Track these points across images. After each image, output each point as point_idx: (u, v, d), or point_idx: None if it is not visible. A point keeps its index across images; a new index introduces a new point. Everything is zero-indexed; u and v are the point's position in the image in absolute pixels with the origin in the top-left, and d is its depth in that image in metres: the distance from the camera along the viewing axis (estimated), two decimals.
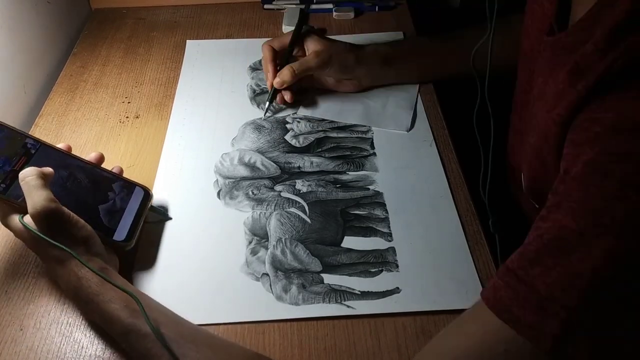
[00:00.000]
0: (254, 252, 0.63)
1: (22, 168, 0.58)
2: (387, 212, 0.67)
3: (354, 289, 0.60)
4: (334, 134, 0.78)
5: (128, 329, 0.51)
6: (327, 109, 0.82)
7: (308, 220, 0.67)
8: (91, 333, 0.56)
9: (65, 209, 0.55)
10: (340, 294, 0.59)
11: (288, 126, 0.79)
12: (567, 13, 0.55)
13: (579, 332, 0.39)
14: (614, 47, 0.42)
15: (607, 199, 0.38)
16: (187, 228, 0.66)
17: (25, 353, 0.55)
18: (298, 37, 0.82)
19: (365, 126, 0.79)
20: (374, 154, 0.75)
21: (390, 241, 0.64)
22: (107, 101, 0.84)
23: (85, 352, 0.55)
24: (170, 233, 0.66)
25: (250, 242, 0.64)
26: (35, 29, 0.90)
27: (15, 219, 0.55)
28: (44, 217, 0.53)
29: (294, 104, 0.82)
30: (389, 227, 0.66)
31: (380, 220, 0.67)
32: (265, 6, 1.03)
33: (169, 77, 0.88)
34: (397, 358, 0.54)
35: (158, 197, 0.69)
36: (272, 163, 0.74)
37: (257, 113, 0.82)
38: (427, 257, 0.63)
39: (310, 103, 0.83)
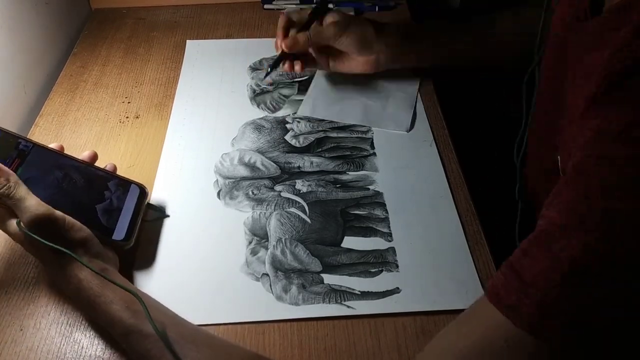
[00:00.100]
0: (254, 252, 0.63)
1: (16, 170, 0.57)
2: (387, 212, 0.67)
3: (354, 289, 0.60)
4: (334, 134, 0.78)
5: (129, 330, 0.51)
6: (327, 109, 0.82)
7: (308, 220, 0.67)
8: (91, 333, 0.56)
9: (58, 213, 0.55)
10: (340, 294, 0.59)
11: (288, 126, 0.79)
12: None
13: (554, 318, 0.41)
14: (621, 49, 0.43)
15: (588, 197, 0.41)
16: (187, 228, 0.66)
17: (25, 353, 0.55)
18: (319, 12, 0.78)
19: (365, 126, 0.79)
20: (374, 154, 0.75)
21: (390, 241, 0.64)
22: (107, 101, 0.84)
23: (86, 352, 0.55)
24: (170, 233, 0.66)
25: (250, 242, 0.64)
26: (35, 29, 0.90)
27: (13, 223, 0.54)
28: (37, 225, 0.53)
29: (294, 104, 0.82)
30: (389, 227, 0.66)
31: (380, 220, 0.67)
32: (265, 6, 1.03)
33: (169, 77, 0.89)
34: (397, 358, 0.54)
35: (158, 196, 0.69)
36: (272, 163, 0.74)
37: (257, 113, 0.82)
38: (427, 257, 0.63)
39: (310, 103, 0.83)
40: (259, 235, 0.65)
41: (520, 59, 0.68)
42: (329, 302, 0.59)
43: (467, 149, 0.76)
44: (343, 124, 0.80)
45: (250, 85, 0.86)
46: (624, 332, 0.41)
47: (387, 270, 0.61)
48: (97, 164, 0.65)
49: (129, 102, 0.84)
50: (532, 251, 0.43)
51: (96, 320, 0.55)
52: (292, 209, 0.68)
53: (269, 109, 0.82)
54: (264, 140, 0.77)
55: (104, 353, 0.55)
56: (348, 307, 0.58)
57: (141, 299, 0.52)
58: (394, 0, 1.02)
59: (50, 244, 0.53)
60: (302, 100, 0.83)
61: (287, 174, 0.72)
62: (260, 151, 0.75)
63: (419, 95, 0.84)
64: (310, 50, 0.79)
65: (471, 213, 0.67)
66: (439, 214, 0.67)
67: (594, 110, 0.44)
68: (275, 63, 0.77)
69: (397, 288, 0.60)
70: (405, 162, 0.74)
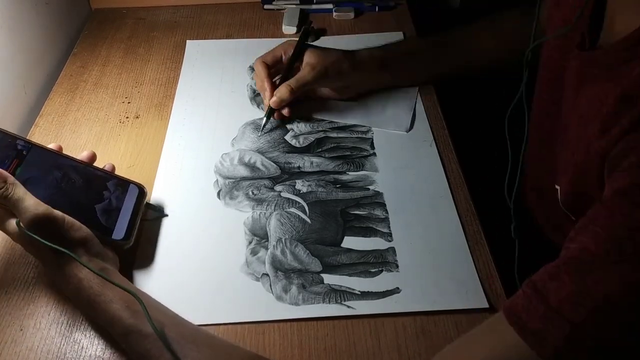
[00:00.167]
0: (254, 252, 0.63)
1: (15, 170, 0.57)
2: (387, 212, 0.67)
3: (354, 289, 0.60)
4: (334, 134, 0.78)
5: (129, 330, 0.51)
6: (327, 110, 0.82)
7: (308, 220, 0.67)
8: (91, 333, 0.56)
9: (58, 212, 0.54)
10: (340, 294, 0.59)
11: (288, 126, 0.79)
12: (598, 27, 0.56)
13: (580, 350, 0.40)
14: None
15: (632, 229, 0.39)
16: (187, 228, 0.66)
17: (25, 353, 0.55)
18: (296, 57, 0.79)
19: (365, 126, 0.79)
20: (374, 154, 0.75)
21: (390, 241, 0.64)
22: (107, 101, 0.84)
23: (85, 352, 0.55)
24: (170, 233, 0.66)
25: (250, 242, 0.64)
26: (35, 29, 0.90)
27: (13, 223, 0.54)
28: (37, 225, 0.53)
29: (294, 103, 0.82)
30: (389, 227, 0.66)
31: (380, 221, 0.67)
32: (265, 6, 1.03)
33: (169, 77, 0.89)
34: (397, 358, 0.54)
35: (158, 196, 0.69)
36: (272, 163, 0.74)
37: (257, 113, 0.82)
38: (427, 257, 0.63)
39: (310, 103, 0.82)
40: (259, 235, 0.65)
41: (502, 71, 0.69)
42: (329, 302, 0.59)
43: (467, 149, 0.76)
44: (343, 123, 0.80)
45: (250, 85, 0.86)
46: None
47: (387, 270, 0.61)
48: (96, 164, 0.65)
49: (129, 102, 0.84)
50: (561, 277, 0.41)
51: (96, 319, 0.55)
52: (292, 209, 0.68)
53: None
54: (264, 140, 0.77)
55: (104, 353, 0.55)
56: (348, 307, 0.58)
57: (140, 298, 0.52)
58: (394, 0, 1.02)
59: (50, 244, 0.53)
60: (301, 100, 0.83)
61: (287, 174, 0.72)
62: (260, 151, 0.75)
63: (419, 95, 0.84)
64: None
65: (471, 213, 0.67)
66: (439, 214, 0.67)
67: (637, 134, 0.43)
68: (267, 116, 0.78)
69: (397, 288, 0.60)
70: (405, 162, 0.74)
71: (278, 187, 0.71)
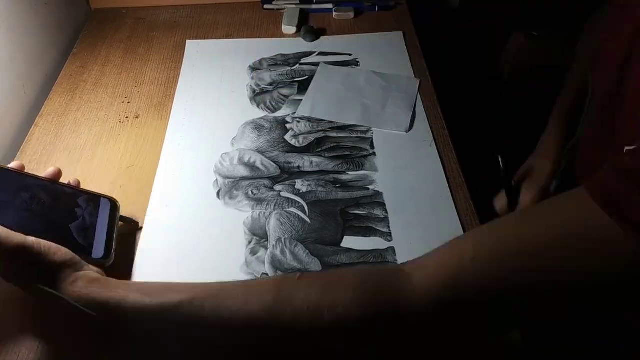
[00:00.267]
0: (253, 252, 0.63)
1: None
2: (386, 212, 0.67)
3: None
4: (333, 134, 0.78)
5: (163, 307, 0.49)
6: (327, 110, 0.82)
7: (308, 220, 0.67)
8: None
9: (30, 239, 0.51)
10: None
11: (288, 126, 0.79)
12: None
13: None
14: None
15: None
16: (187, 228, 0.66)
17: (25, 353, 0.55)
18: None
19: (364, 126, 0.79)
20: (374, 153, 0.75)
21: (389, 241, 0.64)
22: (107, 101, 0.84)
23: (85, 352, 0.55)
24: (170, 233, 0.66)
25: (250, 242, 0.64)
26: (34, 29, 0.90)
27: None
28: (13, 257, 0.50)
29: (294, 104, 0.82)
30: (389, 227, 0.66)
31: (379, 220, 0.67)
32: (265, 6, 1.03)
33: (168, 77, 0.89)
34: None
35: (159, 196, 0.69)
36: (271, 163, 0.74)
37: (257, 113, 0.82)
38: None
39: (310, 103, 0.83)
40: (258, 235, 0.65)
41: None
42: None
43: (467, 149, 0.76)
44: (343, 123, 0.80)
45: (250, 85, 0.86)
46: None
47: None
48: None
49: (128, 102, 0.84)
50: None
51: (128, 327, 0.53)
52: (292, 209, 0.68)
53: (268, 108, 0.82)
54: (263, 140, 0.77)
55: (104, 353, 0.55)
56: None
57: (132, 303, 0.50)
58: (394, 0, 1.02)
59: (51, 291, 0.50)
60: (301, 100, 0.83)
61: (287, 174, 0.72)
62: (260, 151, 0.75)
63: (419, 95, 0.84)
64: None
65: (471, 213, 0.67)
66: (439, 214, 0.67)
67: None
68: None
69: None
70: (405, 162, 0.74)
71: (278, 187, 0.71)
